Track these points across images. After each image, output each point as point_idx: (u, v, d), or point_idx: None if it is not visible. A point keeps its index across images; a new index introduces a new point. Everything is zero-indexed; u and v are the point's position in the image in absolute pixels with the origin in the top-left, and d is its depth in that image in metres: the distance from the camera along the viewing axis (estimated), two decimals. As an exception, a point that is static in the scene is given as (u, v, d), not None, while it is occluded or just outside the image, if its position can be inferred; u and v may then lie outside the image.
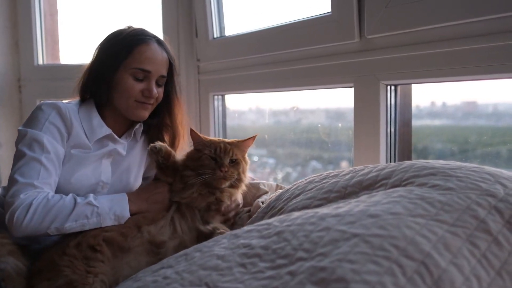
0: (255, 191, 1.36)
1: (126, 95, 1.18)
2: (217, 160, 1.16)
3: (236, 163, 1.19)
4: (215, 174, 1.14)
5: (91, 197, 1.09)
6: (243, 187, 1.24)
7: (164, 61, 1.22)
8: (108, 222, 1.09)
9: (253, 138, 1.23)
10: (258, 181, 1.42)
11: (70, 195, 1.09)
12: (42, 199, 1.04)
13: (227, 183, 1.18)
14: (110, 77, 1.18)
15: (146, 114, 1.23)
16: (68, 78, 2.15)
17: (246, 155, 1.25)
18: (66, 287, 0.94)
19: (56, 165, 1.12)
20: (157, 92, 1.21)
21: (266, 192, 1.35)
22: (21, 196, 1.03)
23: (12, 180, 1.07)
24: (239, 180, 1.21)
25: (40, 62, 2.24)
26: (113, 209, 1.09)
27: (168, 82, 1.27)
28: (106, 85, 1.19)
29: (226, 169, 1.15)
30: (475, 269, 0.61)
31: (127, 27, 1.23)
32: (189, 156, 1.22)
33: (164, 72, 1.23)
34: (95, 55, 1.24)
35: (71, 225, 1.05)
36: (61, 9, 2.33)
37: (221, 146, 1.18)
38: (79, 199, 1.08)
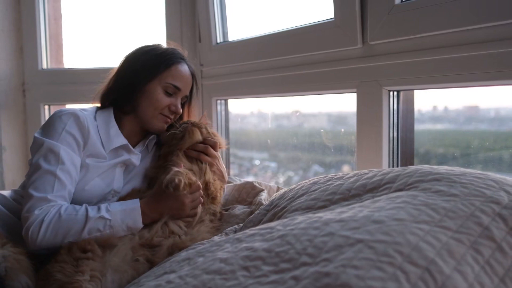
0: (250, 188, 1.42)
1: (154, 106, 1.24)
2: (178, 122, 1.31)
3: None
4: (185, 126, 1.27)
5: (103, 209, 1.09)
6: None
7: (190, 82, 1.32)
8: (121, 233, 1.09)
9: (204, 115, 1.40)
10: (251, 181, 1.47)
11: (83, 206, 1.10)
12: (54, 214, 1.06)
13: (199, 132, 1.29)
14: (142, 87, 1.24)
15: (165, 127, 1.29)
16: (72, 83, 2.18)
17: None
18: None
19: (73, 175, 1.13)
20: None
21: (263, 190, 1.39)
22: (35, 212, 1.05)
23: (27, 195, 1.09)
24: None
25: (44, 66, 2.25)
26: (125, 221, 1.09)
27: (187, 99, 1.35)
28: (136, 93, 1.24)
29: (192, 121, 1.30)
30: (479, 276, 0.61)
31: (158, 44, 1.32)
32: (163, 151, 1.30)
33: (188, 92, 1.32)
34: (124, 64, 1.29)
35: (85, 238, 1.06)
36: (65, 13, 2.34)
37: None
38: (91, 213, 1.08)
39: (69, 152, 1.13)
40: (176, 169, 1.14)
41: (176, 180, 1.08)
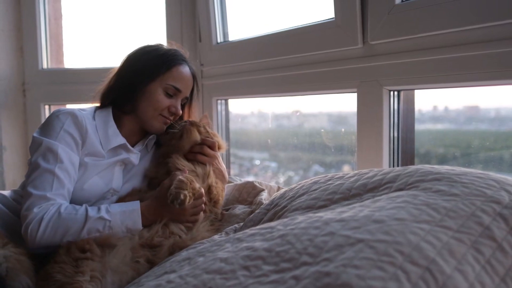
0: (250, 188, 1.43)
1: (154, 107, 1.24)
2: (178, 123, 1.30)
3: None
4: (183, 125, 1.27)
5: (103, 210, 1.09)
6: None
7: (191, 84, 1.32)
8: (120, 234, 1.09)
9: (205, 116, 1.41)
10: (252, 181, 1.47)
11: (83, 206, 1.10)
12: (53, 213, 1.06)
13: (197, 132, 1.28)
14: (142, 87, 1.24)
15: (164, 128, 1.29)
16: (72, 83, 2.18)
17: None
18: None
19: (71, 173, 1.14)
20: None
21: (263, 190, 1.39)
22: (35, 210, 1.06)
23: (26, 193, 1.09)
24: None
25: (45, 66, 2.25)
26: (125, 222, 1.10)
27: (187, 100, 1.35)
28: (136, 93, 1.24)
29: (190, 120, 1.30)
30: (479, 275, 0.61)
31: (159, 44, 1.31)
32: (162, 151, 1.30)
33: (188, 93, 1.32)
34: (125, 63, 1.29)
35: (84, 238, 1.06)
36: (65, 13, 2.34)
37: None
38: (91, 213, 1.08)
39: (68, 151, 1.13)
40: (179, 177, 1.12)
41: (182, 197, 1.07)
